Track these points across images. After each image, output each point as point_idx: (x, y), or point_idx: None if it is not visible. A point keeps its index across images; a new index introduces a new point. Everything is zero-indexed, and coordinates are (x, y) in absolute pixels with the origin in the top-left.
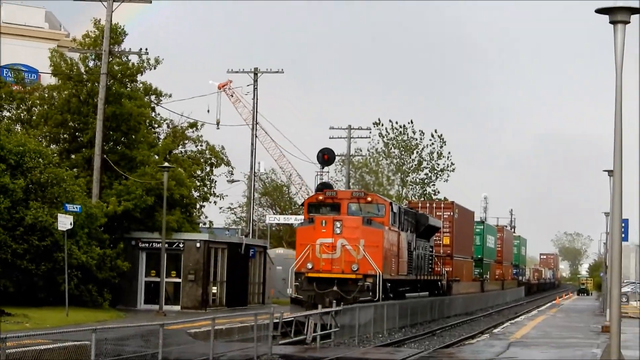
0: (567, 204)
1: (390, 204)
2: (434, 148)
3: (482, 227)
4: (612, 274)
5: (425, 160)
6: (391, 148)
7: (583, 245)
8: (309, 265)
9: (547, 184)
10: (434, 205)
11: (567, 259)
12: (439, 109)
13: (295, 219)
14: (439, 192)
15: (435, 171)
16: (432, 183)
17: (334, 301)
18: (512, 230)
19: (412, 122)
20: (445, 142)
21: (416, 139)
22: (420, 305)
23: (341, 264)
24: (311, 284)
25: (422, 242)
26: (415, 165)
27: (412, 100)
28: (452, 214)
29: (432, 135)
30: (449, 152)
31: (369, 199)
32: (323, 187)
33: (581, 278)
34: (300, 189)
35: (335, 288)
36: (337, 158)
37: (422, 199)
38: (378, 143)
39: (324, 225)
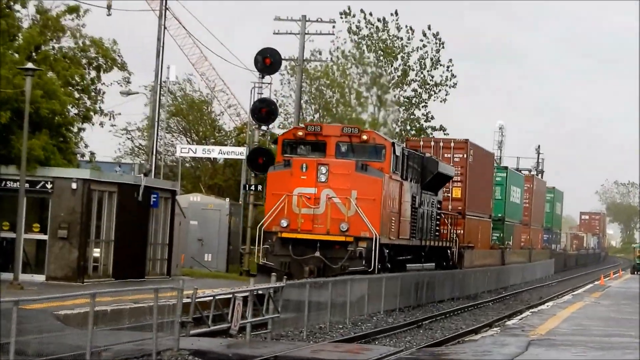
0: (619, 141)
1: (393, 144)
2: (426, 53)
3: (504, 174)
4: None
5: (413, 70)
6: (365, 51)
7: None
8: (284, 223)
9: (589, 110)
10: (441, 144)
11: (619, 220)
12: None
13: (220, 152)
14: (432, 118)
15: (428, 86)
16: (423, 103)
17: (316, 270)
18: (540, 177)
19: (396, 14)
20: (443, 44)
21: (401, 39)
22: (427, 280)
23: (326, 222)
24: (286, 248)
25: (428, 196)
26: (399, 77)
27: None
28: (465, 156)
29: (424, 35)
30: (450, 60)
31: (365, 137)
32: (262, 105)
33: (637, 248)
34: (229, 107)
35: (317, 253)
36: (284, 64)
37: (412, 129)
38: (345, 43)
39: (304, 170)
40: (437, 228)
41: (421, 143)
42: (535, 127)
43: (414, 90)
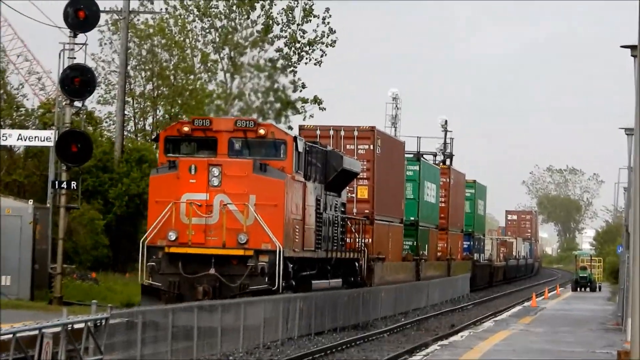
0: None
1: (295, 139)
2: (295, 2)
3: (416, 167)
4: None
5: (278, 24)
6: None
7: (584, 195)
8: (172, 236)
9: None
10: (342, 133)
11: (554, 219)
12: None
13: (20, 137)
14: (303, 87)
15: (299, 45)
16: (291, 68)
17: (211, 290)
18: (450, 164)
19: None
20: None
21: None
22: (333, 301)
23: (221, 233)
24: (175, 265)
25: (331, 198)
26: (258, 33)
27: None
28: (371, 147)
29: None
30: (327, 10)
31: (262, 131)
32: (75, 73)
33: (580, 257)
34: (31, 77)
35: (212, 270)
36: (103, 17)
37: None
38: None
39: (193, 172)
40: (342, 236)
41: (318, 132)
42: (440, 94)
43: (279, 50)
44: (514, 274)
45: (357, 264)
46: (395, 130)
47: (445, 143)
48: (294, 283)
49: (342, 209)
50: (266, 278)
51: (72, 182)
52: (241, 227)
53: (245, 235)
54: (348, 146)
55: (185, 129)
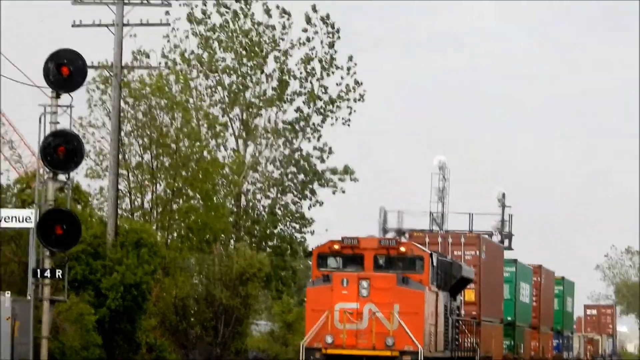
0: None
1: (431, 255)
2: (313, 50)
3: (513, 268)
4: None
5: (295, 79)
6: (218, 50)
7: None
8: (329, 339)
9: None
10: (450, 240)
11: (635, 311)
12: None
13: None
14: (330, 153)
15: (320, 101)
16: (316, 129)
17: None
18: (508, 244)
19: None
20: (338, 32)
21: (273, 29)
22: None
23: (371, 337)
24: None
25: (452, 302)
26: (274, 90)
27: None
28: (477, 253)
29: (309, 21)
30: (350, 58)
31: (403, 249)
32: (59, 141)
33: None
34: (6, 146)
35: None
36: (91, 73)
37: (300, 173)
38: (187, 38)
39: (345, 284)
40: (456, 337)
41: (427, 239)
42: (494, 161)
43: (298, 110)
44: None
45: None
46: (443, 206)
47: (502, 221)
48: None
49: (457, 312)
50: None
51: (57, 271)
52: (387, 332)
53: (392, 338)
54: (455, 252)
55: (336, 247)
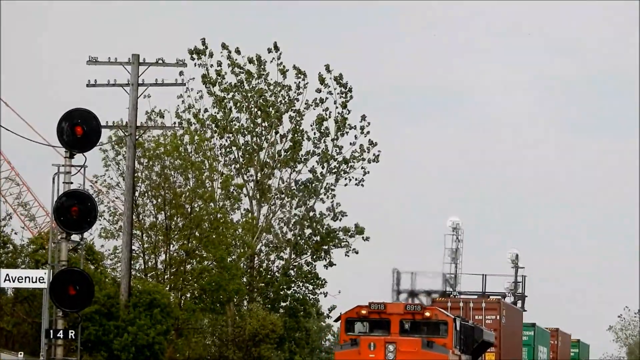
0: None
1: (454, 319)
2: (327, 110)
3: (531, 332)
4: None
5: (309, 140)
6: (233, 110)
7: None
8: None
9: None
10: (471, 304)
11: None
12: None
13: (7, 278)
14: (343, 216)
15: (335, 162)
16: (330, 189)
17: None
18: (522, 306)
19: (276, 50)
20: (350, 91)
21: (288, 89)
22: None
23: None
24: None
25: None
26: (287, 151)
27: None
28: (497, 317)
29: (323, 82)
30: (363, 118)
31: (427, 314)
32: (72, 202)
33: None
34: (19, 206)
35: None
36: (105, 133)
37: (315, 234)
38: (202, 98)
39: (372, 349)
40: None
41: (449, 304)
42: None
43: (312, 170)
44: None
45: None
46: (457, 267)
47: (515, 282)
48: None
49: None
50: None
51: (70, 331)
52: None
53: None
54: (476, 316)
55: (363, 312)
